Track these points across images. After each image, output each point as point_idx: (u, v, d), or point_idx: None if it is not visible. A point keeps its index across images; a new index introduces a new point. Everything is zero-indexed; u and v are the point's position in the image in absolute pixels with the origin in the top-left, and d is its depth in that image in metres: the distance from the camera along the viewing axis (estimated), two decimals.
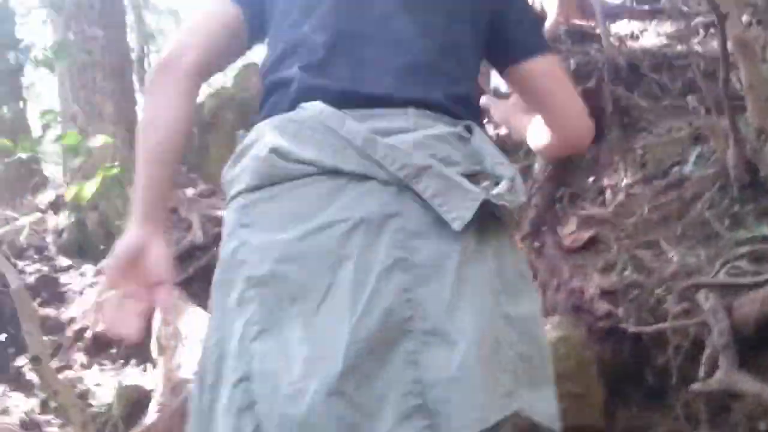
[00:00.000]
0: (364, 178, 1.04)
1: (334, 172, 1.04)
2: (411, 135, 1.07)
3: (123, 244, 1.13)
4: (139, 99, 5.95)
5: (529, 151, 3.69)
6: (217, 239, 3.59)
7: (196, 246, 4.45)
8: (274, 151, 1.07)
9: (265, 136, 1.10)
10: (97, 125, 4.84)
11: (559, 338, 2.25)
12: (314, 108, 1.08)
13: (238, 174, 1.12)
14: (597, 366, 2.32)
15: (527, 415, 1.03)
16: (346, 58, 1.15)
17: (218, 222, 1.24)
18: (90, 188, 3.06)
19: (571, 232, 2.88)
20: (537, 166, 3.29)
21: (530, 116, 1.47)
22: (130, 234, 1.14)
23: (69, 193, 3.20)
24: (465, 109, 1.18)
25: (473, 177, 1.08)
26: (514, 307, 1.07)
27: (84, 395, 3.39)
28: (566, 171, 3.28)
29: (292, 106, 1.11)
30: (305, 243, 1.02)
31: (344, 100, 1.09)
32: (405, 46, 1.17)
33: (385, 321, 0.97)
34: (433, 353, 0.98)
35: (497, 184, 1.09)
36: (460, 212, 1.01)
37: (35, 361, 1.94)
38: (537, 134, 1.43)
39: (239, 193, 1.11)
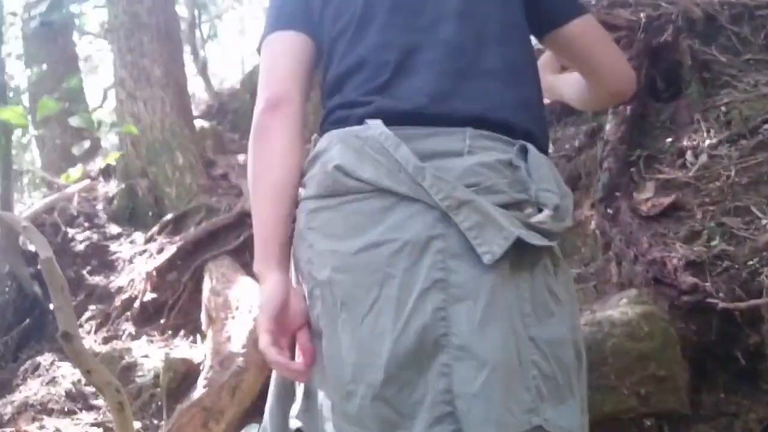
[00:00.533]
0: (413, 199, 1.15)
1: (388, 192, 1.17)
2: (461, 160, 1.17)
3: (269, 298, 1.22)
4: (189, 63, 5.82)
5: (598, 112, 3.46)
6: None
7: (246, 213, 4.33)
8: (338, 168, 1.20)
9: (333, 148, 1.23)
10: (145, 90, 4.72)
11: (642, 315, 2.02)
12: (376, 128, 1.20)
13: (309, 178, 1.27)
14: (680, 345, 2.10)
15: (550, 429, 1.14)
16: (409, 77, 1.25)
17: None
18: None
19: (648, 197, 2.63)
20: (608, 127, 3.04)
21: (559, 76, 1.61)
22: (272, 284, 1.23)
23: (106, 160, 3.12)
24: (524, 114, 1.26)
25: (516, 205, 1.19)
26: (541, 329, 1.17)
27: (131, 367, 3.29)
28: (640, 131, 3.03)
29: (359, 122, 1.23)
30: (358, 257, 1.16)
31: (407, 119, 1.21)
32: (460, 50, 1.26)
33: (422, 337, 1.11)
34: (463, 367, 1.09)
35: (540, 211, 1.19)
36: (491, 247, 1.12)
37: (66, 337, 1.80)
38: (577, 90, 1.55)
39: (308, 197, 1.26)
